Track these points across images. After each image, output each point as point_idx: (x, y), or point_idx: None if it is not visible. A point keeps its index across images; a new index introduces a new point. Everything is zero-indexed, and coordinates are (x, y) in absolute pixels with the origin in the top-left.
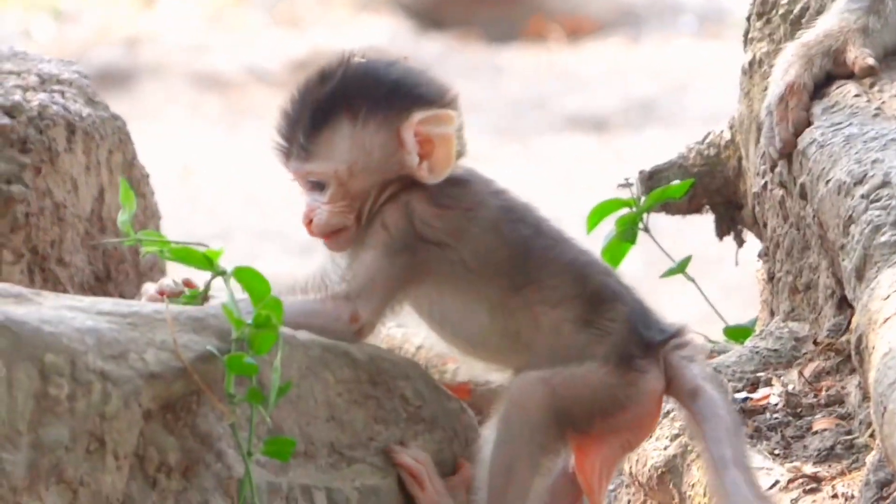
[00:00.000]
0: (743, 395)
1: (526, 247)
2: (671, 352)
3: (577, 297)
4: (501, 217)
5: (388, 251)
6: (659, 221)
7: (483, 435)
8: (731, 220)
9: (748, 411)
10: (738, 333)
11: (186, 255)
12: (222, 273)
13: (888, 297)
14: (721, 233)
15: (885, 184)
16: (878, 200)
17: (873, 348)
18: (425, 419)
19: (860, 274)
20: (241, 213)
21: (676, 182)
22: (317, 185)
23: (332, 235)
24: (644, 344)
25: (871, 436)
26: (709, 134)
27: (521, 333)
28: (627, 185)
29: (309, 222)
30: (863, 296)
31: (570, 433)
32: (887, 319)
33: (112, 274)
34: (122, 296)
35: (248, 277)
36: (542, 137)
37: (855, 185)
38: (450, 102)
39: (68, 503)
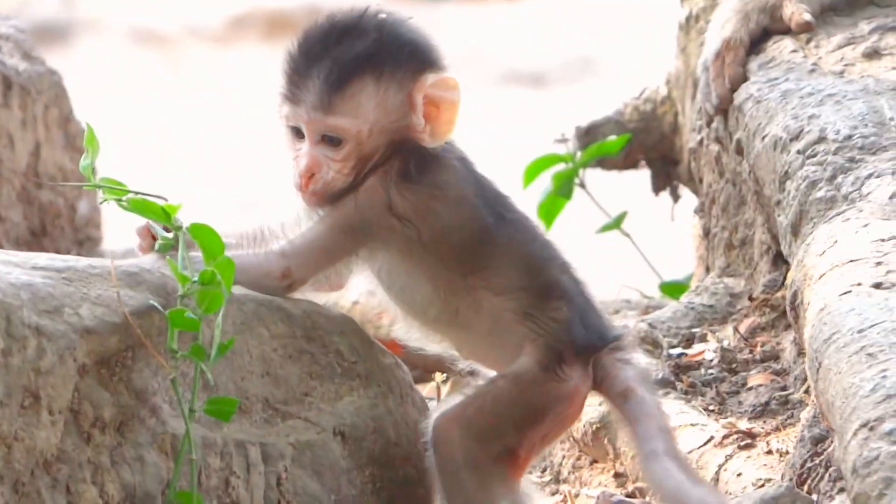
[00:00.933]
0: (678, 350)
1: (483, 233)
2: (606, 354)
3: (524, 289)
4: (467, 200)
5: (341, 228)
6: (595, 177)
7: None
8: (666, 175)
9: (683, 367)
10: (673, 289)
11: (144, 206)
12: (178, 228)
13: (823, 253)
14: (657, 188)
15: (821, 139)
16: (814, 156)
17: (808, 304)
18: (360, 374)
19: (796, 230)
20: (179, 168)
21: (613, 137)
22: (330, 141)
23: (325, 197)
24: (578, 347)
25: (806, 392)
26: (645, 90)
27: (459, 312)
28: (564, 140)
29: (310, 176)
30: (798, 252)
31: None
32: (822, 275)
33: (48, 229)
34: (57, 251)
35: (203, 234)
36: (480, 93)
37: (791, 140)
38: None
39: (2, 458)
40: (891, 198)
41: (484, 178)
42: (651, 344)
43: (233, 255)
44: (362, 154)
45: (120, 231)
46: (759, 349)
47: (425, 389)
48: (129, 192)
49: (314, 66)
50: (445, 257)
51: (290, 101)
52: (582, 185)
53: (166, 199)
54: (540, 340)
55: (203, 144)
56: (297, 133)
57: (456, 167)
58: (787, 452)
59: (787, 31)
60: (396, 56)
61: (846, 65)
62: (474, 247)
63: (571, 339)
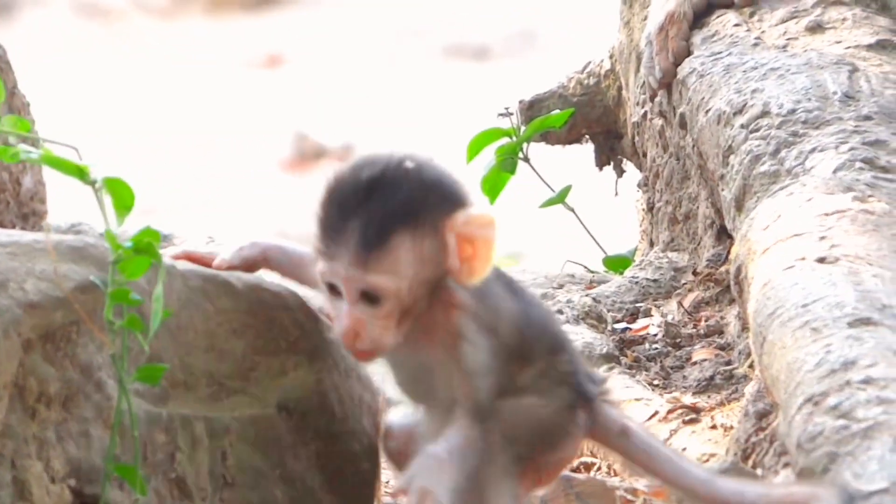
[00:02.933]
0: (622, 325)
1: (522, 320)
2: (601, 404)
3: (545, 352)
4: (512, 310)
5: (487, 365)
6: (538, 151)
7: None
8: (610, 149)
9: (627, 342)
10: (617, 263)
11: (59, 163)
12: (92, 183)
13: (767, 227)
14: (601, 162)
15: (764, 113)
16: (757, 130)
17: (752, 279)
18: (305, 350)
19: (739, 204)
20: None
21: (556, 111)
22: (368, 298)
23: (374, 354)
24: (583, 396)
25: (751, 366)
26: (588, 63)
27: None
28: (507, 114)
29: (354, 336)
30: (742, 226)
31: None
32: (766, 250)
33: None
34: (1, 225)
35: (117, 188)
36: (422, 67)
37: (734, 114)
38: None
39: None
40: (834, 172)
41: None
42: (595, 319)
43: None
44: (404, 308)
45: (65, 205)
46: (703, 324)
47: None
48: (39, 139)
49: (349, 222)
50: (503, 355)
51: (326, 257)
52: (525, 160)
53: (77, 151)
54: (554, 390)
55: (147, 117)
56: (334, 289)
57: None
58: (732, 427)
59: (730, 4)
60: (427, 204)
61: (789, 39)
62: (520, 338)
63: (580, 388)
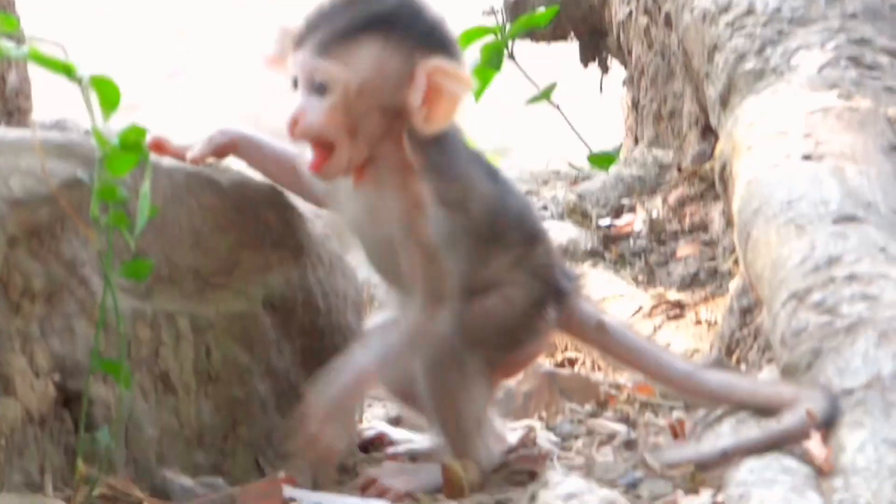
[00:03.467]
0: (607, 221)
1: (495, 203)
2: (579, 297)
3: (521, 240)
4: (482, 183)
5: (437, 242)
6: (524, 48)
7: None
8: (595, 47)
9: (612, 238)
10: (602, 160)
11: (46, 60)
12: (79, 81)
13: (752, 124)
14: (586, 60)
15: (749, 12)
16: (742, 28)
17: (737, 176)
18: (289, 245)
19: (725, 102)
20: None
21: (541, 9)
22: (318, 89)
23: (319, 148)
24: (558, 290)
25: (735, 262)
26: None
27: (476, 278)
28: (492, 12)
29: (294, 123)
30: (727, 123)
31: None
32: (751, 147)
33: None
34: None
35: (103, 86)
36: None
37: (720, 13)
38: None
39: None
40: (819, 70)
41: (481, 154)
42: (580, 215)
43: (390, 348)
44: (349, 111)
45: (49, 102)
46: (687, 220)
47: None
48: (22, 36)
49: (328, 18)
50: (466, 233)
51: (296, 47)
52: (511, 57)
53: (64, 48)
54: (528, 282)
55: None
56: (296, 85)
57: (459, 145)
58: (716, 323)
59: None
60: (411, 27)
61: None
62: (489, 219)
63: (554, 282)
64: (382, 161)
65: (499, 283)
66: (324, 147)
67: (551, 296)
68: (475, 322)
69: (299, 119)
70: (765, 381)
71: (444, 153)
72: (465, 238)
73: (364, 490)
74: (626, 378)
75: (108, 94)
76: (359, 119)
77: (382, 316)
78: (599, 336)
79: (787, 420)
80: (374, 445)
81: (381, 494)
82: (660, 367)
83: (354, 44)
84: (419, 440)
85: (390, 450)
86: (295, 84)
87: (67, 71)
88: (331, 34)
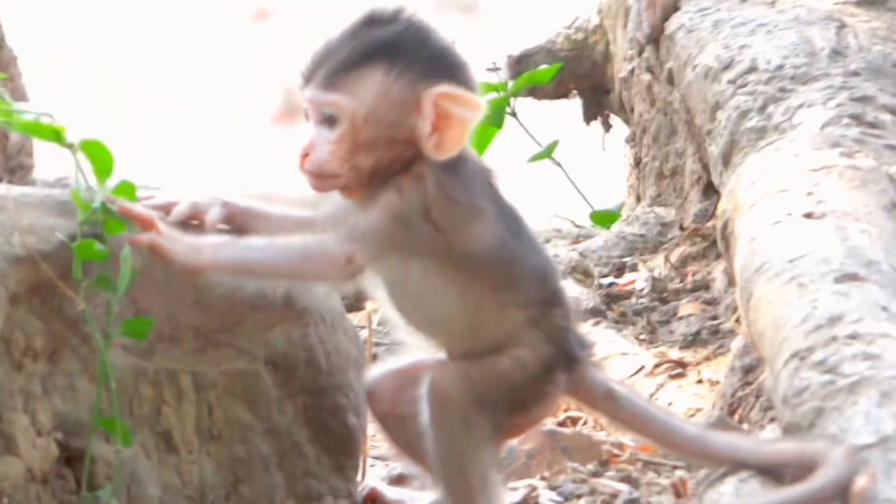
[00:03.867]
0: (609, 280)
1: (509, 249)
2: (590, 361)
3: (539, 300)
4: (495, 219)
5: (396, 217)
6: (526, 106)
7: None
8: (598, 104)
9: (614, 296)
10: (604, 218)
11: (34, 128)
12: (69, 146)
13: (754, 182)
14: (588, 118)
15: (752, 69)
16: (745, 86)
17: (739, 234)
18: (291, 304)
19: (727, 159)
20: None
21: (544, 66)
22: (328, 121)
23: (322, 179)
24: (570, 355)
25: (737, 321)
26: (577, 18)
27: (483, 327)
28: (495, 69)
29: (304, 156)
30: (729, 181)
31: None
32: (753, 205)
33: None
34: None
35: (95, 151)
36: None
37: (722, 70)
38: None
39: None
40: (822, 128)
41: (497, 188)
42: (582, 273)
43: (283, 243)
44: (358, 140)
45: (52, 159)
46: (689, 278)
47: (356, 318)
48: (11, 112)
49: (335, 51)
50: (481, 274)
51: (303, 82)
52: (513, 114)
53: (52, 117)
54: (542, 345)
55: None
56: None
57: (480, 183)
58: (718, 382)
59: None
60: (416, 54)
61: None
62: (505, 263)
63: (567, 348)
64: (381, 184)
65: (513, 342)
66: (328, 177)
67: (563, 361)
68: (485, 382)
69: (309, 153)
70: (768, 439)
71: (453, 177)
72: (447, 259)
73: None
74: (628, 438)
75: (100, 159)
76: (365, 148)
77: (389, 363)
78: (608, 405)
79: (826, 475)
80: None
81: None
82: (667, 432)
83: (359, 74)
84: (419, 498)
85: None
86: (307, 119)
87: (56, 136)
88: (336, 67)
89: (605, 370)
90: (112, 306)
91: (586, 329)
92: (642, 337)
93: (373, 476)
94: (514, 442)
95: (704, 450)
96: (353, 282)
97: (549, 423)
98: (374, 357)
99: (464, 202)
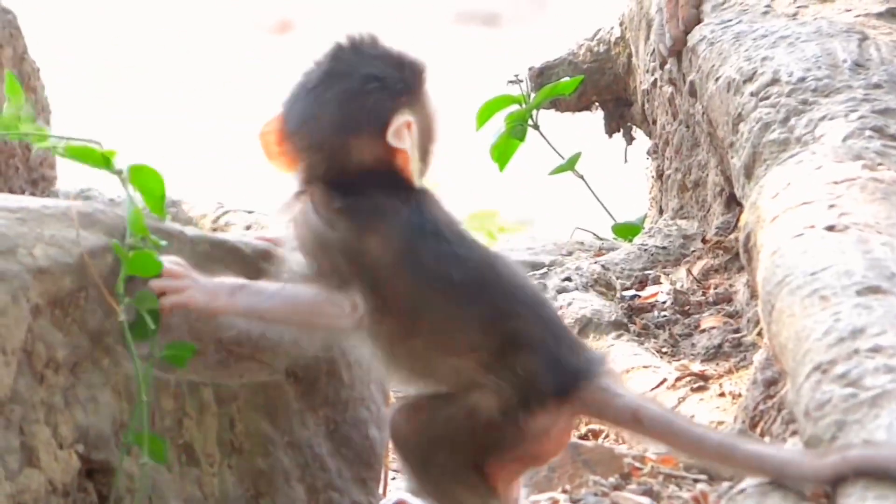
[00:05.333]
0: (631, 292)
1: (438, 296)
2: (594, 385)
3: (482, 348)
4: (412, 271)
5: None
6: (548, 118)
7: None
8: (620, 117)
9: (636, 309)
10: (626, 231)
11: (82, 153)
12: (118, 173)
13: (777, 195)
14: (610, 130)
15: (774, 81)
16: (767, 98)
17: (761, 246)
18: None
19: (749, 172)
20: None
21: (566, 79)
22: None
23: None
24: (545, 394)
25: (759, 334)
26: (599, 30)
27: (436, 372)
28: (517, 81)
29: None
30: (751, 194)
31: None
32: (776, 218)
33: (1, 169)
34: (11, 191)
35: (145, 177)
36: (432, 33)
37: (744, 82)
38: None
39: None
40: (844, 140)
41: (445, 233)
42: (604, 286)
43: (285, 293)
44: None
45: (74, 171)
46: (712, 291)
47: None
48: (54, 137)
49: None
50: (411, 322)
51: None
52: (535, 127)
53: (100, 144)
54: (502, 391)
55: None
56: None
57: (393, 202)
58: (740, 395)
59: None
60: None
61: (799, 7)
62: (432, 312)
63: (538, 388)
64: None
65: (467, 387)
66: None
67: (535, 401)
68: (437, 425)
69: None
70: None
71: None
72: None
73: None
74: (650, 451)
75: (150, 187)
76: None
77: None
78: (636, 427)
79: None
80: None
81: None
82: (696, 444)
83: None
84: None
85: None
86: None
87: (106, 163)
88: None
89: (625, 385)
90: (149, 327)
91: (608, 342)
92: (664, 350)
93: (396, 488)
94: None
95: (734, 459)
96: (357, 330)
97: (572, 437)
98: None
99: (353, 220)
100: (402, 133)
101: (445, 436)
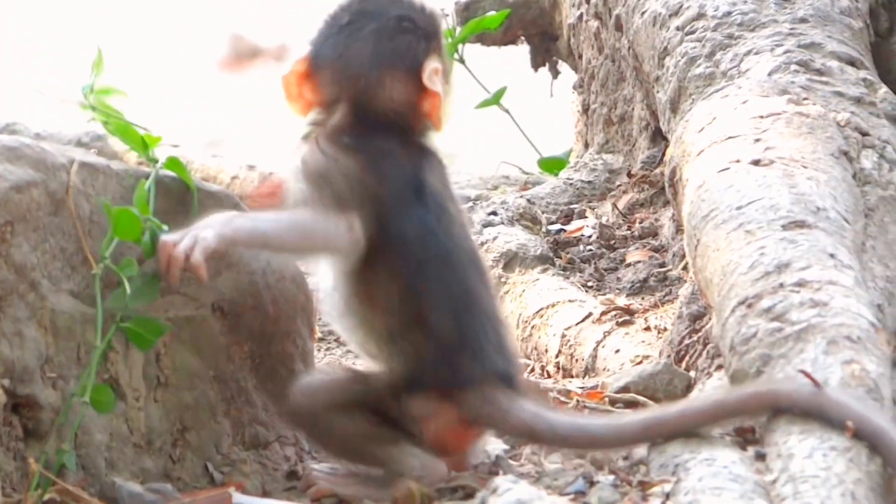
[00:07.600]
0: (557, 226)
1: (394, 244)
2: (484, 396)
3: (395, 315)
4: (396, 202)
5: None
6: (474, 52)
7: None
8: (546, 51)
9: (562, 243)
10: (552, 165)
11: (126, 132)
12: (153, 161)
13: (702, 129)
14: (536, 64)
15: (700, 15)
16: (693, 32)
17: (687, 181)
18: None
19: (675, 106)
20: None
21: (492, 13)
22: None
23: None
24: (430, 379)
25: (684, 268)
26: None
27: (355, 318)
28: (443, 15)
29: None
30: (677, 128)
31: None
32: (701, 152)
33: None
34: None
35: (176, 169)
36: None
37: (670, 16)
38: None
39: None
40: (769, 74)
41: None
42: (530, 220)
43: (289, 217)
44: None
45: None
46: (637, 226)
47: None
48: (115, 117)
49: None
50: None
51: None
52: (461, 61)
53: (148, 130)
54: (397, 365)
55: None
56: None
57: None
58: (665, 329)
59: None
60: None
61: None
62: (378, 255)
63: (421, 374)
64: None
65: (375, 354)
66: None
67: (420, 386)
68: (335, 397)
69: None
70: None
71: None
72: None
73: (314, 501)
74: (575, 385)
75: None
76: None
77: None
78: (536, 440)
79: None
80: None
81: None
82: (617, 435)
83: None
84: None
85: None
86: None
87: (143, 147)
88: None
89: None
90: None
91: (533, 276)
92: (590, 284)
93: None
94: None
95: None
96: (357, 250)
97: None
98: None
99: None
100: (433, 77)
101: (339, 402)
